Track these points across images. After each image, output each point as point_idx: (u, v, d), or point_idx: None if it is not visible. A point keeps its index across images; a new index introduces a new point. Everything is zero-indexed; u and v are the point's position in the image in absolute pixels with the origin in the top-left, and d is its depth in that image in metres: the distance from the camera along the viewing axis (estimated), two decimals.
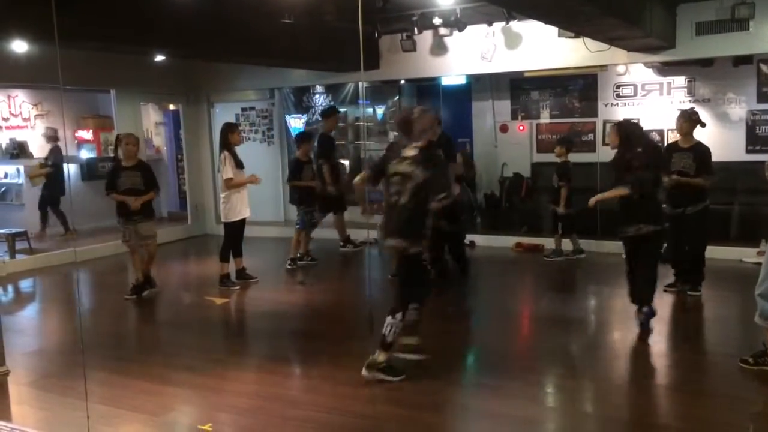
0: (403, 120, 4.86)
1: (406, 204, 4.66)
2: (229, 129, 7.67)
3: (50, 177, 10.49)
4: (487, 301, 7.46)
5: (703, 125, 6.63)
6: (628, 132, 5.78)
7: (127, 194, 7.16)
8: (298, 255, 8.77)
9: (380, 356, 4.77)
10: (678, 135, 6.76)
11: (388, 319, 4.74)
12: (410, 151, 4.74)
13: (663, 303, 6.63)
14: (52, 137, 10.83)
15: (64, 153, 11.12)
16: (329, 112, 9.51)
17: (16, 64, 8.05)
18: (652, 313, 5.71)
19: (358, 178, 5.12)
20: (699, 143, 6.52)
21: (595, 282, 7.79)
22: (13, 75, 8.82)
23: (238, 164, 7.51)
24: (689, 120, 6.54)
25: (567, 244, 8.74)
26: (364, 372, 4.74)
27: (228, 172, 7.42)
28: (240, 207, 7.56)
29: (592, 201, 5.92)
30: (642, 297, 5.75)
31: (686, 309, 6.50)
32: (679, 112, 6.78)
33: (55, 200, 10.64)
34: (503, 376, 4.93)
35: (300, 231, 8.69)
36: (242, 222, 7.68)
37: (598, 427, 4.30)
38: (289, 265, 8.64)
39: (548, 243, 9.10)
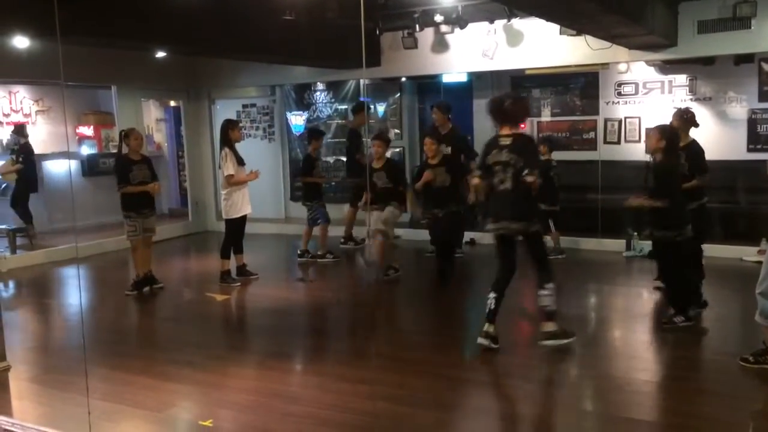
0: (497, 108, 5.32)
1: (512, 190, 5.14)
2: (229, 125, 7.69)
3: (20, 173, 10.23)
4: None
5: (697, 125, 6.48)
6: (673, 137, 5.68)
7: (141, 186, 7.24)
8: (299, 251, 8.83)
9: (548, 326, 5.23)
10: None
11: (543, 292, 5.24)
12: (505, 140, 5.21)
13: (657, 298, 6.65)
14: (20, 134, 10.57)
15: (66, 149, 11.13)
16: (359, 108, 9.63)
17: (18, 60, 8.04)
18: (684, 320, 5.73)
19: (476, 180, 5.40)
20: (692, 142, 6.38)
21: (596, 280, 7.79)
22: (14, 71, 8.82)
23: (239, 161, 7.53)
24: (681, 119, 6.42)
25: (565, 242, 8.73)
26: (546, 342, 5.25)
27: (229, 168, 7.44)
28: (241, 204, 7.58)
29: (634, 202, 5.76)
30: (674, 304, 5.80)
31: None
32: (674, 111, 6.69)
33: (24, 197, 10.30)
34: (503, 374, 4.94)
35: (326, 225, 8.75)
36: (243, 219, 7.69)
37: (597, 425, 4.30)
38: (332, 257, 8.80)
39: (548, 241, 9.09)
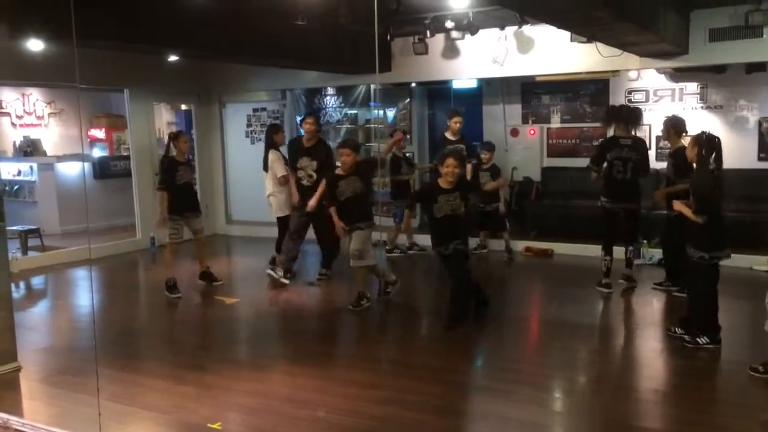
0: (618, 113, 7.15)
1: (630, 179, 6.87)
2: (272, 130, 8.24)
3: None
4: (496, 305, 7.46)
5: (686, 131, 6.76)
6: (707, 146, 5.38)
7: (184, 188, 7.51)
8: (406, 245, 9.36)
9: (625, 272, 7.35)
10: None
11: (630, 248, 7.33)
12: (626, 141, 6.93)
13: (663, 305, 6.66)
14: None
15: (78, 151, 11.21)
16: (454, 114, 8.93)
17: (32, 63, 8.11)
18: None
19: (595, 175, 7.16)
20: (679, 148, 6.68)
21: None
22: (28, 74, 8.89)
23: (285, 162, 7.96)
24: (665, 126, 6.87)
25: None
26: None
27: (281, 169, 7.87)
28: (288, 203, 8.02)
29: (677, 206, 5.53)
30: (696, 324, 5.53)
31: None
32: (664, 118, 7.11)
33: None
34: (512, 380, 4.94)
35: (398, 223, 9.03)
36: (287, 217, 8.08)
37: None
38: (399, 252, 9.26)
39: (558, 248, 9.13)
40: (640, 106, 9.39)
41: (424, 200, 6.43)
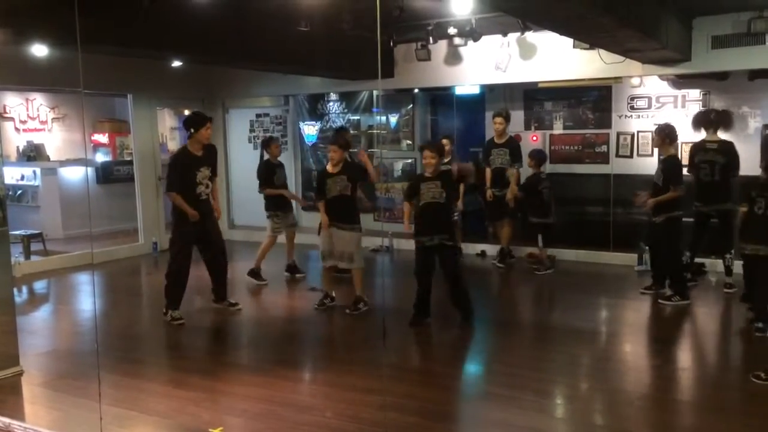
0: (706, 118, 7.42)
1: (719, 180, 7.07)
2: (339, 132, 8.74)
3: None
4: (498, 311, 7.46)
5: (675, 139, 7.00)
6: None
7: (282, 188, 8.29)
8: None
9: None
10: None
11: (728, 256, 7.23)
12: (712, 145, 7.22)
13: (661, 311, 6.65)
14: None
15: (81, 156, 11.24)
16: (498, 115, 8.90)
17: (36, 68, 8.14)
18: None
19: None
20: (669, 156, 6.88)
21: (607, 294, 7.75)
22: (32, 79, 8.92)
23: None
24: (659, 134, 6.98)
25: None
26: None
27: None
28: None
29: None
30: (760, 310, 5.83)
31: (694, 322, 6.48)
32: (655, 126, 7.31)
33: None
34: (515, 386, 4.93)
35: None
36: None
37: None
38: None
39: (561, 254, 9.12)
40: (642, 114, 9.51)
41: (413, 194, 6.35)
